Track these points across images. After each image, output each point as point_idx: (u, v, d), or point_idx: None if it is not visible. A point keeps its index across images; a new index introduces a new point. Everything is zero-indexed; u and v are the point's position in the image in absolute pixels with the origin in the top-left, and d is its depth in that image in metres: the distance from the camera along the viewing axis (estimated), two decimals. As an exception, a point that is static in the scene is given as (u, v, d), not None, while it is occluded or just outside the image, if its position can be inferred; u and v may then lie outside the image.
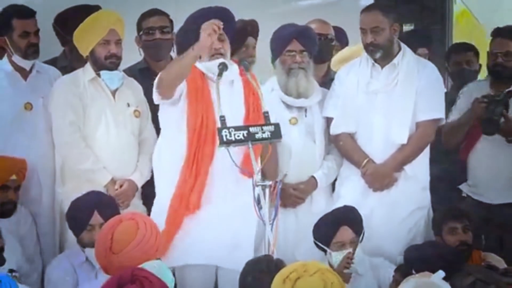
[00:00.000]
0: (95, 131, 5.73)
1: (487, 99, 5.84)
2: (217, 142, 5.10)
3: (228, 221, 5.28)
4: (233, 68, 5.38)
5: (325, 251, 5.36)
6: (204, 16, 5.30)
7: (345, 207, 5.51)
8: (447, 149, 6.09)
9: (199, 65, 5.35)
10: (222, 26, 5.19)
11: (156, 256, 4.19)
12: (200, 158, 5.30)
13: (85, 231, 5.17)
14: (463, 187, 6.17)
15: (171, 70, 5.31)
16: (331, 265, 5.22)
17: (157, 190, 5.52)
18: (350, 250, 5.27)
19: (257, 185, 4.94)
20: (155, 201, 5.50)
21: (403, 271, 4.93)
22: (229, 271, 5.14)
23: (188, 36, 5.35)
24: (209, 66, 5.33)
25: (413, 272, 4.62)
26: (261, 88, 5.48)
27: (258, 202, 4.90)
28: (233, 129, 5.04)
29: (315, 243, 5.40)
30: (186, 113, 5.34)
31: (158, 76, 5.38)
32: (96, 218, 5.17)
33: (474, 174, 6.10)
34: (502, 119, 5.78)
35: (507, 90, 5.87)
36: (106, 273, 4.22)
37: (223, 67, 5.23)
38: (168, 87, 5.30)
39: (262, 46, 5.93)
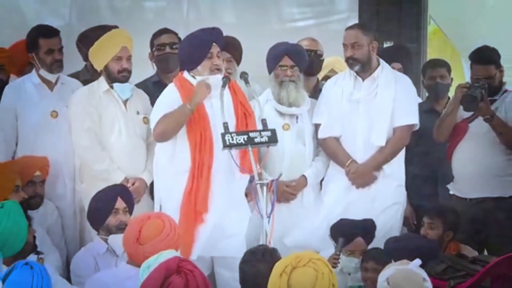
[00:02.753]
0: (110, 136, 5.75)
1: (467, 85, 5.84)
2: (215, 150, 5.18)
3: (224, 216, 5.30)
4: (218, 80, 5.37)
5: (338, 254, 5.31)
6: (208, 37, 5.40)
7: (369, 220, 5.50)
8: (437, 142, 6.05)
9: (194, 81, 5.36)
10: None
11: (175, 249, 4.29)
12: (202, 166, 5.30)
13: (111, 215, 5.19)
14: (450, 185, 6.12)
15: (169, 123, 5.32)
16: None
17: (155, 193, 5.53)
18: (359, 258, 5.28)
19: (256, 184, 4.98)
20: (155, 201, 5.53)
21: (377, 258, 4.93)
22: (224, 258, 5.19)
23: (194, 53, 5.42)
24: (210, 81, 5.32)
25: (392, 261, 4.61)
26: (258, 98, 5.53)
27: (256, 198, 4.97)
28: (234, 134, 5.10)
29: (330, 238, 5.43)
30: (186, 131, 5.35)
31: (158, 131, 5.38)
32: (120, 202, 5.25)
33: (457, 171, 6.05)
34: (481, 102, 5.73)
35: (484, 77, 5.85)
36: (131, 259, 4.32)
37: (226, 80, 5.29)
38: (165, 136, 5.37)
39: (261, 61, 5.90)
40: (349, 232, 5.36)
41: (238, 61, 6.15)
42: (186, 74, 5.42)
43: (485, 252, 5.64)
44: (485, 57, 5.99)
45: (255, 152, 5.14)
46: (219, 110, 5.21)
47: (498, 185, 5.96)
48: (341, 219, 5.47)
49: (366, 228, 5.45)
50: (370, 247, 5.39)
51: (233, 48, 6.11)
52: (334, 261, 5.13)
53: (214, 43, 5.38)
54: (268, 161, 5.24)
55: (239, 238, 4.75)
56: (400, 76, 5.98)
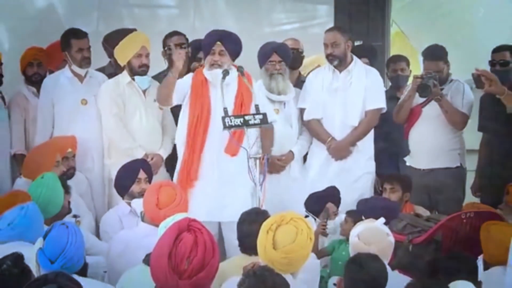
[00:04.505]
0: (132, 120, 5.72)
1: (421, 76, 5.79)
2: (209, 129, 5.16)
3: (221, 187, 5.23)
4: (232, 73, 5.29)
5: (314, 219, 5.29)
6: (212, 37, 5.34)
7: (331, 187, 5.46)
8: (397, 123, 6.01)
9: (205, 72, 5.33)
10: (187, 52, 5.67)
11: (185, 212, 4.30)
12: (195, 141, 5.27)
13: (134, 184, 5.17)
14: (407, 158, 6.09)
15: (162, 91, 5.37)
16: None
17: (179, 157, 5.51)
18: (335, 220, 5.24)
19: (251, 158, 4.91)
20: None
21: (355, 217, 4.88)
22: (229, 223, 5.06)
23: (204, 49, 5.46)
24: (210, 74, 5.30)
25: (363, 218, 4.59)
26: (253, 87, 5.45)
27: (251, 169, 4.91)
28: (233, 117, 5.00)
29: (306, 211, 5.35)
30: (188, 108, 5.33)
31: (157, 96, 5.47)
32: (142, 173, 5.23)
33: (412, 147, 6.02)
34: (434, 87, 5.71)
35: (434, 71, 5.77)
36: (152, 221, 4.32)
37: (225, 73, 5.20)
38: (163, 101, 5.41)
39: (254, 58, 5.85)
40: (320, 201, 5.33)
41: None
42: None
43: (436, 212, 5.60)
44: (434, 54, 5.93)
45: (241, 133, 5.08)
46: (218, 95, 5.18)
47: (446, 157, 5.94)
48: (310, 194, 5.43)
49: (332, 193, 5.41)
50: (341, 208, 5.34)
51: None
52: (322, 227, 5.10)
53: (218, 42, 5.29)
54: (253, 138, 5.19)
55: (238, 206, 4.65)
56: (370, 69, 5.96)
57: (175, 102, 5.40)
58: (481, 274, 4.19)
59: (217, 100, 5.21)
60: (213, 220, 5.17)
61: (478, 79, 4.46)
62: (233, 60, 5.39)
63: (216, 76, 5.24)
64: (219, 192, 5.21)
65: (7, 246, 3.90)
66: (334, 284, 4.35)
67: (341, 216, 5.18)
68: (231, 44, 5.33)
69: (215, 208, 5.18)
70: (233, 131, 5.02)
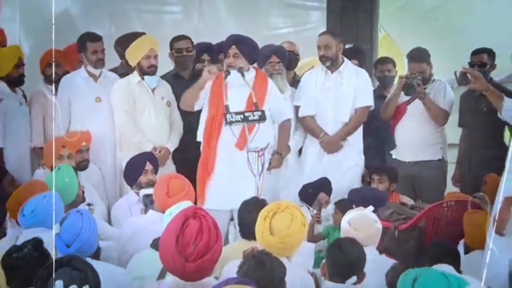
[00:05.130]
0: (142, 116, 5.68)
1: (406, 76, 5.80)
2: (223, 126, 5.07)
3: (232, 178, 5.17)
4: (249, 74, 5.24)
5: (308, 208, 5.28)
6: (229, 41, 5.28)
7: (322, 178, 5.45)
8: (384, 119, 5.99)
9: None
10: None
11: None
12: (210, 137, 5.23)
13: (142, 175, 5.15)
14: (393, 152, 6.08)
15: (187, 98, 5.32)
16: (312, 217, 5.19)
17: None
18: (326, 208, 5.24)
19: (250, 151, 4.89)
20: None
21: (342, 207, 4.87)
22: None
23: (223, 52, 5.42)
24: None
25: (353, 206, 4.58)
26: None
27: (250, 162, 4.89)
28: (234, 114, 4.97)
29: (301, 202, 5.33)
30: (207, 108, 5.29)
31: (182, 101, 5.41)
32: (149, 165, 5.20)
33: (398, 141, 6.01)
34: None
35: (417, 71, 5.78)
36: (161, 208, 4.28)
37: (227, 73, 5.16)
38: (187, 106, 5.38)
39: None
40: (313, 192, 5.32)
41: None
42: None
43: (420, 201, 5.60)
44: (418, 56, 5.92)
45: (250, 128, 4.98)
46: (236, 94, 5.15)
47: (428, 151, 5.92)
48: (303, 185, 5.42)
49: (324, 184, 5.41)
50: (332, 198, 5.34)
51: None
52: (317, 219, 5.09)
53: (233, 46, 5.22)
54: (259, 133, 5.13)
55: (247, 195, 4.60)
56: (359, 69, 5.94)
57: (196, 108, 5.35)
58: (462, 258, 4.20)
59: (233, 99, 5.13)
60: (226, 208, 5.13)
61: (463, 76, 4.44)
62: (251, 62, 5.31)
63: (231, 77, 5.17)
64: (231, 183, 5.14)
65: (30, 231, 3.91)
66: (320, 268, 4.37)
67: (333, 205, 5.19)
68: (245, 47, 5.24)
69: (228, 197, 5.09)
70: (243, 128, 4.97)
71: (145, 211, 4.76)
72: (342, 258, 3.43)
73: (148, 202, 4.75)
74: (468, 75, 4.80)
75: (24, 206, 4.10)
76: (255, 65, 5.47)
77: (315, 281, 3.80)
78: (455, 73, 4.46)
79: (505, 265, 3.91)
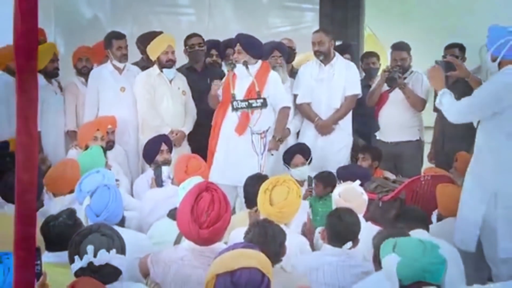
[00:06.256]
0: (161, 103, 5.63)
1: (389, 68, 5.79)
2: (227, 113, 5.08)
3: (233, 157, 5.14)
4: (252, 67, 5.17)
5: (287, 168, 5.31)
6: (235, 39, 5.27)
7: (299, 143, 5.51)
8: (369, 106, 5.96)
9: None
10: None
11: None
12: (216, 123, 5.25)
13: (158, 154, 5.10)
14: (377, 133, 6.05)
15: (210, 101, 5.35)
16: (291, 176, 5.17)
17: None
18: (302, 168, 5.21)
19: (253, 133, 4.90)
20: None
21: (322, 180, 4.85)
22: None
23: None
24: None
25: (341, 181, 4.56)
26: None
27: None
28: (239, 101, 4.99)
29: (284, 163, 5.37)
30: (221, 96, 5.29)
31: (209, 104, 5.39)
32: (163, 145, 5.14)
33: (381, 124, 5.98)
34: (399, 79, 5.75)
35: (400, 58, 5.82)
36: (180, 183, 4.14)
37: (233, 66, 5.15)
38: (214, 106, 5.33)
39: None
40: (290, 154, 5.34)
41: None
42: None
43: (400, 176, 5.57)
44: (400, 46, 5.93)
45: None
46: (240, 85, 5.14)
47: (407, 132, 5.90)
48: (285, 150, 5.41)
49: (301, 148, 5.40)
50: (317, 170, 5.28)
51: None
52: (309, 193, 5.06)
53: (238, 43, 5.21)
54: (262, 118, 5.10)
55: (250, 173, 4.57)
56: (348, 62, 5.89)
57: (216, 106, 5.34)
58: (436, 225, 4.18)
59: (239, 88, 5.10)
60: (230, 183, 5.06)
61: (447, 65, 4.39)
62: (255, 57, 5.22)
63: (238, 69, 5.16)
64: (235, 162, 5.10)
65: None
66: (319, 233, 4.34)
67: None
68: (247, 44, 5.19)
69: (232, 174, 5.06)
70: (242, 114, 4.95)
71: (156, 181, 4.73)
72: (340, 225, 3.41)
73: (158, 174, 4.73)
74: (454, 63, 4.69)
75: (80, 183, 4.03)
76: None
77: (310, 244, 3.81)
78: (436, 62, 4.39)
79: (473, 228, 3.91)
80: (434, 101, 5.83)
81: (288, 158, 5.33)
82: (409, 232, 3.37)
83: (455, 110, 4.00)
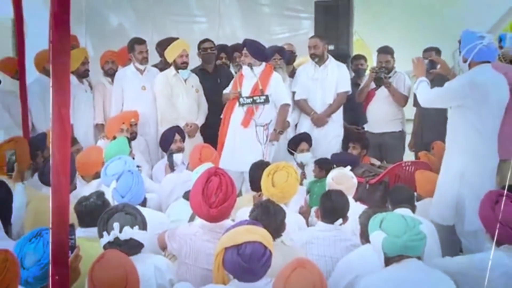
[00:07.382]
0: (177, 99, 5.59)
1: (376, 69, 5.75)
2: (235, 109, 5.08)
3: (240, 146, 5.13)
4: (257, 68, 5.16)
5: (293, 154, 5.28)
6: (242, 44, 5.28)
7: (304, 133, 5.48)
8: (358, 101, 5.92)
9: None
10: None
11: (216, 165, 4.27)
12: (225, 117, 5.25)
13: (172, 143, 5.08)
14: (365, 125, 6.03)
15: (223, 99, 5.35)
16: (297, 162, 5.15)
17: None
18: (307, 153, 5.20)
19: (257, 126, 4.90)
20: None
21: (320, 164, 4.84)
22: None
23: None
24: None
25: (334, 166, 4.56)
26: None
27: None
28: (245, 97, 5.00)
29: (288, 150, 5.32)
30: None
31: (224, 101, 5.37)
32: (177, 136, 5.12)
33: (369, 117, 5.95)
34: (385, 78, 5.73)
35: (384, 61, 5.78)
36: (194, 169, 4.11)
37: (239, 67, 5.21)
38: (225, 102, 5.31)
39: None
40: (296, 141, 5.31)
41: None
42: None
43: (385, 162, 5.57)
44: (385, 50, 5.88)
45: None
46: (247, 83, 5.15)
47: (391, 124, 5.87)
48: (290, 138, 5.40)
49: (305, 136, 5.37)
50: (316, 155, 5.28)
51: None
52: (303, 176, 5.05)
53: (244, 47, 5.22)
54: (264, 112, 5.10)
55: (254, 160, 4.56)
56: (340, 64, 5.83)
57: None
58: (416, 204, 4.17)
59: (245, 87, 5.10)
60: (238, 169, 5.03)
61: (431, 64, 4.38)
62: (260, 59, 5.20)
63: (245, 70, 5.18)
64: (242, 150, 5.08)
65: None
66: (314, 212, 4.36)
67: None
68: (252, 48, 5.19)
69: (239, 161, 5.03)
70: (247, 109, 4.93)
71: (169, 166, 4.74)
72: (331, 205, 3.41)
73: (171, 160, 4.74)
74: (437, 62, 4.66)
75: (105, 168, 4.04)
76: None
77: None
78: (417, 59, 4.36)
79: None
80: (414, 97, 5.90)
81: (294, 144, 5.31)
82: (394, 210, 3.38)
83: (425, 96, 4.02)
